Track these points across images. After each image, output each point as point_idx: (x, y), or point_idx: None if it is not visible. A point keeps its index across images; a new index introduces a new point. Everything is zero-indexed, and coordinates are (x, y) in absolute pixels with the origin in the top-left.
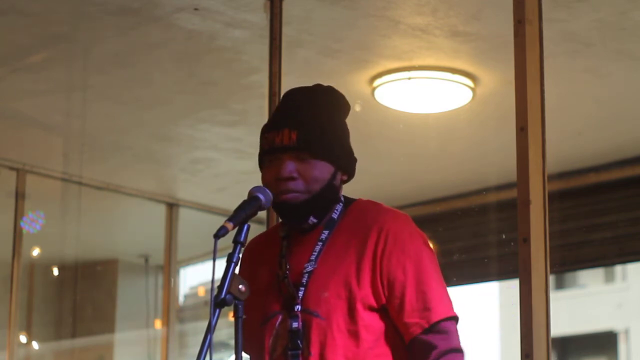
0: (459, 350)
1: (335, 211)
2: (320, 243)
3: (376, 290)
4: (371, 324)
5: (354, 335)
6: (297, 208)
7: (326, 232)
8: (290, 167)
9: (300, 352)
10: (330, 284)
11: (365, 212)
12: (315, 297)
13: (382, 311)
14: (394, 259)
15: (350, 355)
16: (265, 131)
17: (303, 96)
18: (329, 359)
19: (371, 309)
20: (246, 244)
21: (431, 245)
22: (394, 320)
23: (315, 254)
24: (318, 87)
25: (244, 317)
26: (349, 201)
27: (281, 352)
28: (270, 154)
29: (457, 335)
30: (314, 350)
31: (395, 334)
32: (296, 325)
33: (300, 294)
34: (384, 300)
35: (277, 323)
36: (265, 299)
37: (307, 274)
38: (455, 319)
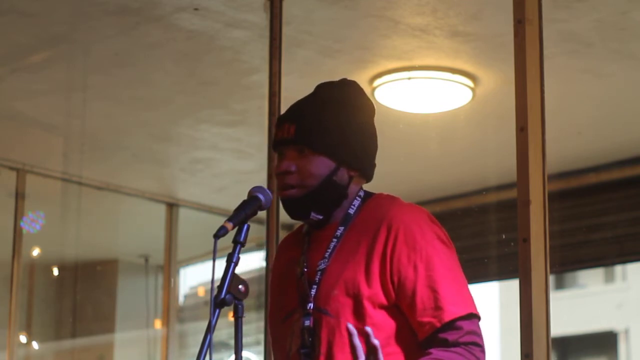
0: (475, 344)
1: (352, 207)
2: (335, 240)
3: (386, 288)
4: (381, 323)
5: (363, 333)
6: (294, 204)
7: (341, 228)
8: (288, 161)
9: (311, 350)
10: (340, 281)
11: (378, 207)
12: (326, 294)
13: (394, 309)
14: (403, 257)
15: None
16: (275, 127)
17: (316, 91)
18: (337, 358)
19: (381, 307)
20: (278, 242)
21: (446, 239)
22: (408, 319)
23: (329, 251)
24: (340, 81)
25: (243, 316)
26: (367, 196)
27: (296, 350)
28: (275, 148)
29: (474, 332)
30: (323, 349)
31: (408, 333)
32: (308, 324)
33: (313, 291)
34: (394, 299)
35: (294, 321)
36: (287, 297)
37: (320, 272)
38: (472, 316)
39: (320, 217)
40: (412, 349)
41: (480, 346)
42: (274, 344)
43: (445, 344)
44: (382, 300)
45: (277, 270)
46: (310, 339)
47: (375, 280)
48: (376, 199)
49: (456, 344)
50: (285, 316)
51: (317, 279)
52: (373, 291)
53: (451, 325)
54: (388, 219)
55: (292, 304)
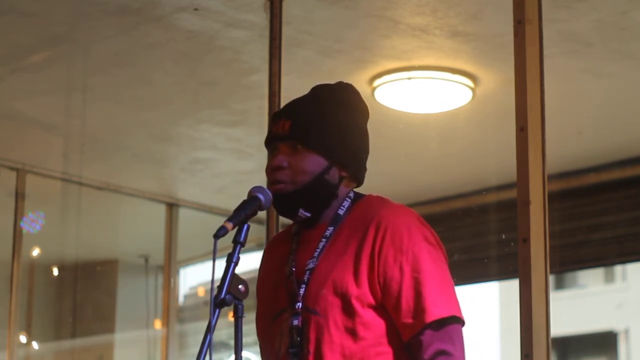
0: (445, 353)
1: (342, 207)
2: (324, 240)
3: (374, 288)
4: (370, 322)
5: (352, 332)
6: (283, 200)
7: (331, 228)
8: (281, 156)
9: (299, 349)
10: (328, 281)
11: (368, 208)
12: (315, 294)
13: (382, 309)
14: (390, 258)
15: (348, 353)
16: (270, 122)
17: (314, 91)
18: (326, 357)
19: (370, 306)
20: (267, 242)
21: (435, 242)
22: (393, 320)
23: (318, 250)
24: (337, 84)
25: (243, 316)
26: (357, 197)
27: (285, 350)
28: (269, 143)
29: (451, 337)
30: (312, 348)
31: (398, 332)
32: (296, 323)
33: (302, 291)
34: (381, 299)
35: (283, 321)
36: (275, 296)
37: (308, 271)
38: (454, 319)
39: (308, 215)
40: (403, 348)
41: (449, 354)
42: (263, 343)
43: (418, 353)
44: (370, 300)
45: (264, 270)
46: (298, 339)
47: (363, 280)
48: (366, 200)
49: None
50: (274, 316)
51: (305, 278)
52: (361, 291)
53: (428, 329)
54: (377, 219)
55: (281, 304)
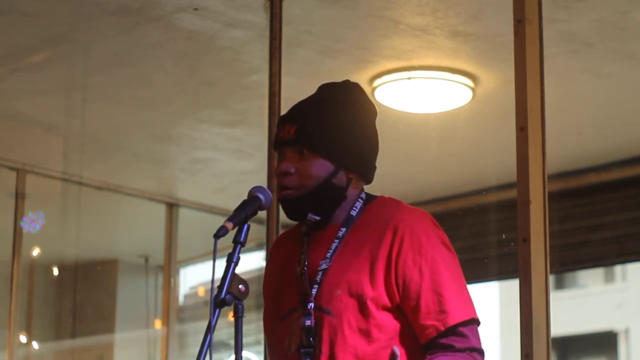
0: (478, 350)
1: (355, 208)
2: (336, 240)
3: (390, 291)
4: (384, 324)
5: (366, 333)
6: (291, 205)
7: (343, 229)
8: (287, 162)
9: (312, 349)
10: (342, 281)
11: (382, 210)
12: (328, 294)
13: (397, 311)
14: (409, 260)
15: (361, 354)
16: (277, 126)
17: (319, 91)
18: (339, 357)
19: (385, 308)
20: (274, 240)
21: (449, 245)
22: (411, 322)
23: (331, 251)
24: (342, 83)
25: (243, 316)
26: (370, 198)
27: (295, 349)
28: (275, 148)
29: (477, 337)
30: (325, 348)
31: (411, 335)
32: (309, 323)
33: (314, 291)
34: (398, 301)
35: (293, 320)
36: (285, 295)
37: (321, 272)
38: (473, 321)
39: (318, 218)
40: (415, 350)
41: (482, 352)
42: (270, 342)
43: (451, 350)
44: (386, 302)
45: (272, 269)
46: (311, 339)
47: (379, 282)
48: (379, 202)
49: (460, 350)
50: (283, 315)
51: (318, 278)
52: (377, 293)
53: (454, 330)
54: (394, 222)
55: (290, 303)
